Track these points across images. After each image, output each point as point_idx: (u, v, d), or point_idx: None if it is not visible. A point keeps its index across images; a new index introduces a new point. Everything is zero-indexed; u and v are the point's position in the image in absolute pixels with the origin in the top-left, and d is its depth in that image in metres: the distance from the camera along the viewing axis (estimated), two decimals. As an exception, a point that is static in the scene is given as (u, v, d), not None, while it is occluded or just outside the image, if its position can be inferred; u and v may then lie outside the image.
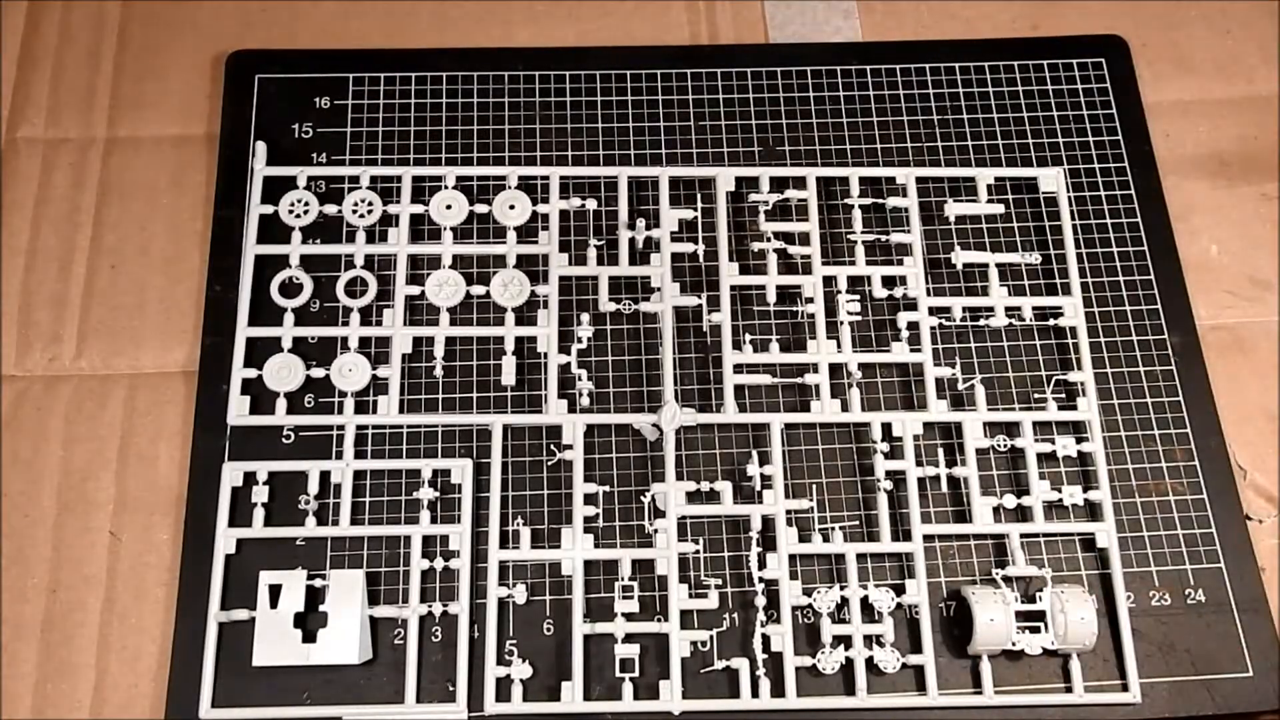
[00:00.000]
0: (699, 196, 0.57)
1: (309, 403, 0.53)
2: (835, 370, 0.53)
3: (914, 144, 0.59)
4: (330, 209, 0.55)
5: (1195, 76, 0.62)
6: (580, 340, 0.53)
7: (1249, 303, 0.57)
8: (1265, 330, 0.57)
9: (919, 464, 0.52)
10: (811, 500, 0.52)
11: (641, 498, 0.51)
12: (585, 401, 0.53)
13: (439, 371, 0.53)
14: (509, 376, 0.53)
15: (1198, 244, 0.58)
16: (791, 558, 0.50)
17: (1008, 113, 0.60)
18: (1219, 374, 0.55)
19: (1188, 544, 0.52)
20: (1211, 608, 0.51)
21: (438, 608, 0.49)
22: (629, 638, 0.49)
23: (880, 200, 0.57)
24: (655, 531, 0.50)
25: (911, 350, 0.54)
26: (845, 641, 0.49)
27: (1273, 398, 0.55)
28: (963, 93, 0.60)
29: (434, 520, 0.51)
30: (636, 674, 0.48)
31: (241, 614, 0.49)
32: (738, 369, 0.53)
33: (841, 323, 0.54)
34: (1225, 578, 0.51)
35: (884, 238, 0.56)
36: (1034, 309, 0.55)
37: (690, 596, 0.50)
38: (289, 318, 0.54)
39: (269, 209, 0.55)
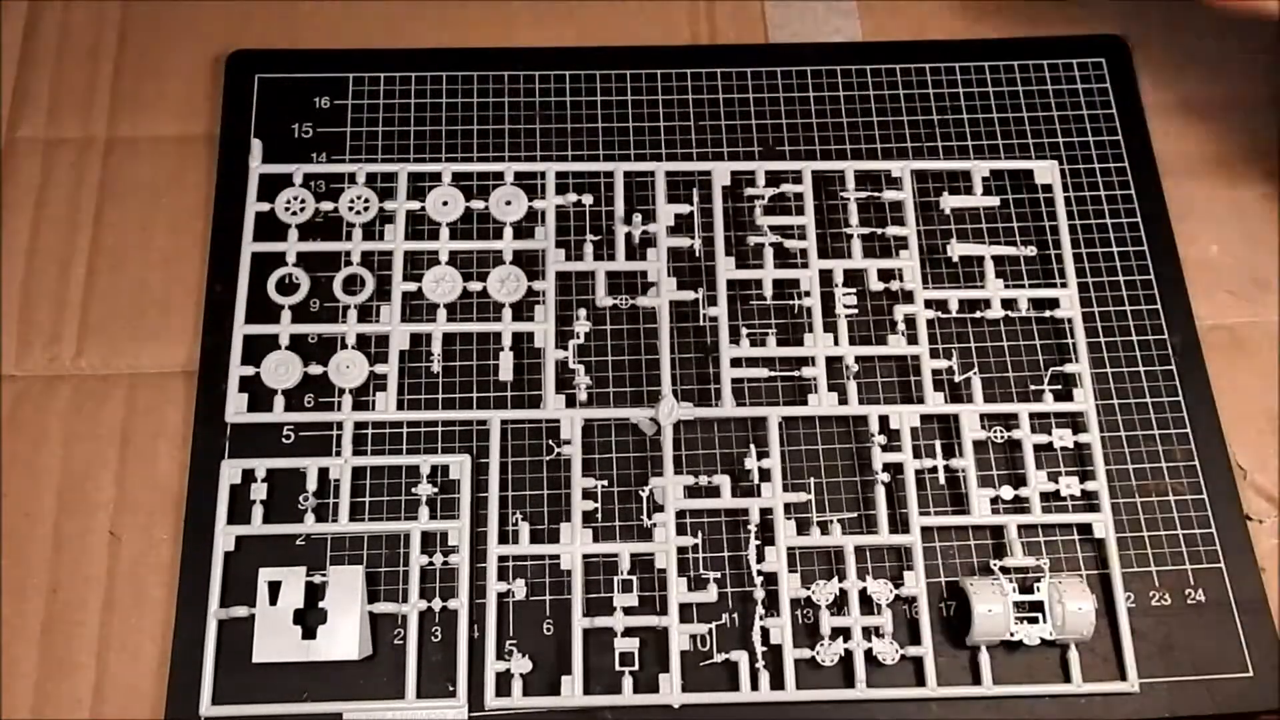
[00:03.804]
0: (696, 194, 0.57)
1: (309, 401, 0.53)
2: (833, 364, 0.53)
3: (914, 144, 0.59)
4: (327, 206, 0.56)
5: (1195, 76, 0.62)
6: (578, 335, 0.53)
7: (1249, 303, 0.57)
8: (1265, 330, 0.57)
9: (916, 456, 0.52)
10: (809, 494, 0.52)
11: (640, 494, 0.51)
12: (583, 397, 0.53)
13: (437, 368, 0.53)
14: (506, 373, 0.53)
15: (1198, 244, 0.58)
16: (790, 551, 0.50)
17: (1008, 113, 0.60)
18: (1219, 374, 0.55)
19: (1188, 544, 0.52)
20: (1211, 608, 0.51)
21: (437, 604, 0.49)
22: (628, 631, 0.49)
23: (877, 193, 0.57)
24: (654, 525, 0.50)
25: (909, 344, 0.54)
26: (844, 634, 0.49)
27: (1273, 398, 0.55)
28: (963, 93, 0.60)
29: (433, 516, 0.51)
30: (636, 667, 0.48)
31: (241, 611, 0.49)
32: (735, 363, 0.53)
33: (839, 316, 0.54)
34: (1225, 578, 0.51)
35: (881, 230, 0.56)
36: (1030, 300, 0.55)
37: (689, 590, 0.50)
38: (286, 315, 0.54)
39: (265, 206, 0.55)
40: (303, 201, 0.56)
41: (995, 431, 0.53)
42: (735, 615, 0.50)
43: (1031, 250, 0.56)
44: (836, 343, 0.54)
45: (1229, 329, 0.57)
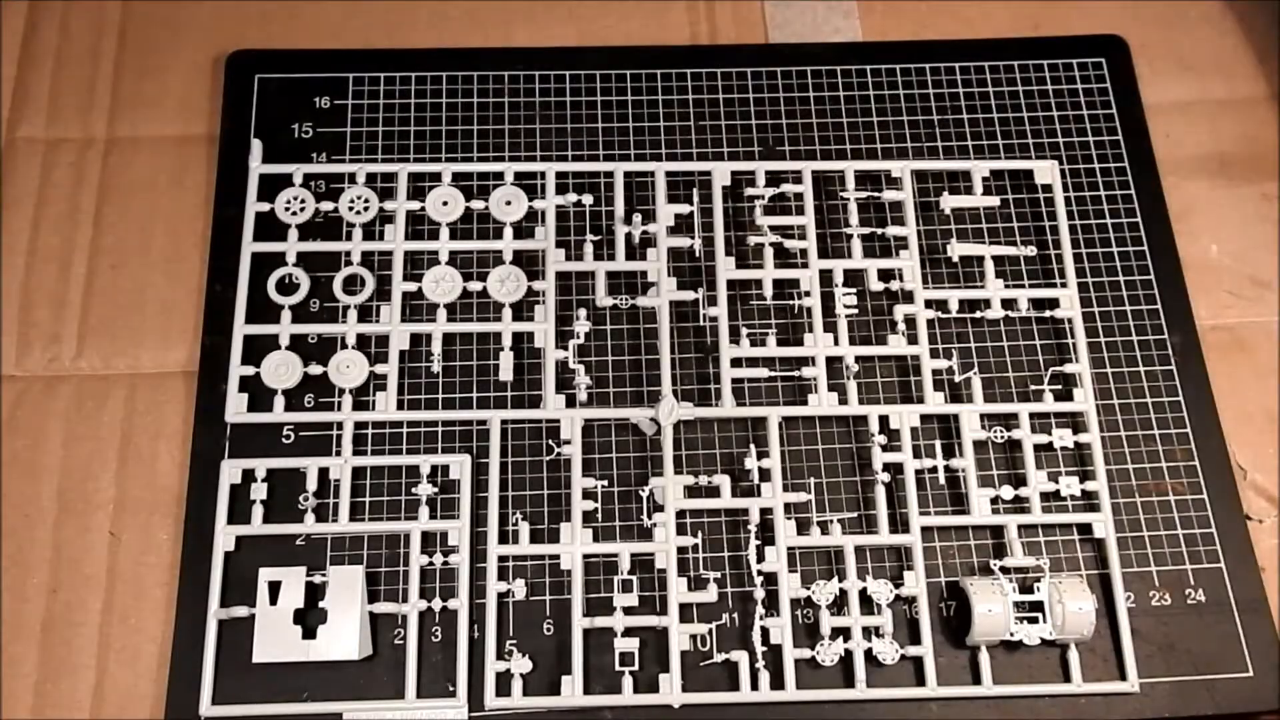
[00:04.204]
0: (696, 194, 0.57)
1: (309, 401, 0.53)
2: (833, 364, 0.53)
3: (914, 144, 0.59)
4: (327, 206, 0.56)
5: (1195, 76, 0.62)
6: (578, 335, 0.53)
7: (1249, 303, 0.57)
8: (1265, 330, 0.57)
9: (916, 456, 0.52)
10: (809, 494, 0.52)
11: (640, 493, 0.51)
12: (583, 397, 0.53)
13: (437, 368, 0.53)
14: (506, 373, 0.53)
15: (1198, 244, 0.58)
16: (790, 551, 0.50)
17: (1008, 113, 0.60)
18: (1219, 374, 0.55)
19: (1188, 544, 0.52)
20: (1211, 608, 0.51)
21: (437, 604, 0.49)
22: (628, 631, 0.49)
23: (877, 193, 0.57)
24: (654, 525, 0.50)
25: (909, 344, 0.54)
26: (844, 634, 0.49)
27: (1273, 398, 0.55)
28: (963, 93, 0.60)
29: (433, 516, 0.51)
30: (636, 667, 0.48)
31: (241, 611, 0.49)
32: (735, 363, 0.53)
33: (839, 316, 0.54)
34: (1225, 578, 0.51)
35: (881, 230, 0.56)
36: (1030, 300, 0.55)
37: (689, 590, 0.50)
38: (286, 315, 0.54)
39: (265, 206, 0.55)
40: (303, 201, 0.56)
41: (995, 431, 0.53)
42: (735, 615, 0.50)
43: (1031, 250, 0.56)
44: (836, 343, 0.54)
45: (1229, 329, 0.57)
